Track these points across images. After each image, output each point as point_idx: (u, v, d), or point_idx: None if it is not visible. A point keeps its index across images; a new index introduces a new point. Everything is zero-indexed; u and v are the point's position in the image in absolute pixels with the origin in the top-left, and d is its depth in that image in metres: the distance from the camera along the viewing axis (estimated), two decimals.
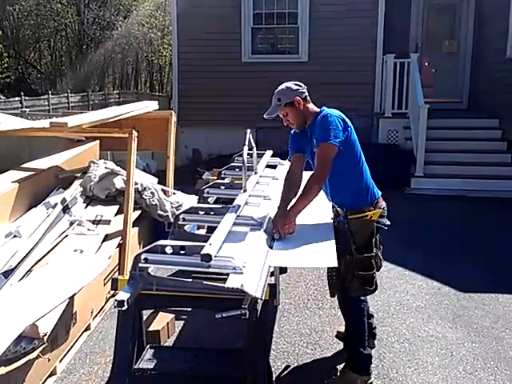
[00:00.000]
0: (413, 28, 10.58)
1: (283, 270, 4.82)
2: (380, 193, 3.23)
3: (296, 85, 3.21)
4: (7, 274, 3.53)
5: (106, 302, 4.20)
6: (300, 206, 3.05)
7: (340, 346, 3.66)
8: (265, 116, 3.26)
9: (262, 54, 10.33)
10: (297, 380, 3.28)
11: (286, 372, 3.35)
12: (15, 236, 3.89)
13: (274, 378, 3.14)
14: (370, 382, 3.21)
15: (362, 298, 3.24)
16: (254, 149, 4.07)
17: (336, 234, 3.08)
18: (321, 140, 3.01)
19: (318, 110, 3.21)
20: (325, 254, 2.78)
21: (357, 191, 3.13)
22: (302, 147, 3.30)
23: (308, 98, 3.22)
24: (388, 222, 3.22)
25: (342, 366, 3.37)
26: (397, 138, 9.39)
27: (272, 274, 3.97)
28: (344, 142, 3.01)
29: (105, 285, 4.11)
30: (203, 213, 3.30)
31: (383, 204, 3.21)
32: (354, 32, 9.68)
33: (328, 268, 3.36)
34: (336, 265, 2.63)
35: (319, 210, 3.52)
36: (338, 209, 3.22)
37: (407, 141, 9.08)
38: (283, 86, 3.22)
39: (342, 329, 3.66)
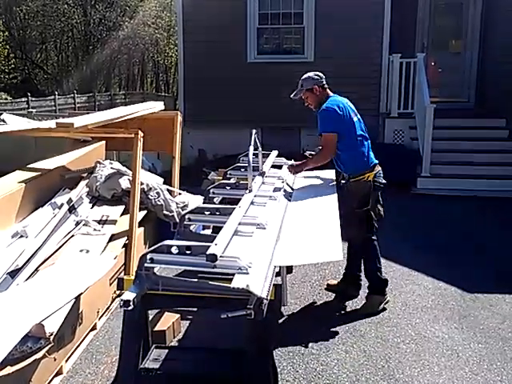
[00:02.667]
0: (419, 27, 10.55)
1: (289, 270, 4.81)
2: (377, 161, 4.15)
3: (316, 75, 4.20)
4: (14, 273, 3.54)
5: (112, 302, 4.21)
6: (308, 165, 4.26)
7: (346, 347, 3.66)
8: (291, 96, 4.30)
9: (267, 54, 10.31)
10: (302, 380, 3.28)
11: (290, 372, 3.35)
12: (22, 236, 3.91)
13: (279, 379, 3.14)
14: (387, 300, 4.25)
15: (374, 237, 4.19)
16: (260, 149, 4.07)
17: (340, 191, 4.04)
18: (321, 131, 4.08)
19: (330, 95, 4.21)
20: (330, 248, 2.78)
21: (356, 161, 4.07)
22: None
23: (325, 85, 4.21)
24: (384, 181, 4.13)
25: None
26: (403, 137, 9.37)
27: (278, 275, 3.98)
28: (339, 126, 4.02)
29: (111, 285, 4.12)
30: (209, 213, 3.31)
31: (379, 168, 4.13)
32: (359, 32, 9.65)
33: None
34: (341, 258, 2.72)
35: (324, 199, 3.59)
36: (344, 174, 4.17)
37: (413, 141, 9.05)
38: (307, 75, 4.24)
39: (333, 282, 4.59)
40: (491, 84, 9.84)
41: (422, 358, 3.53)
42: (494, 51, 9.73)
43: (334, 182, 4.29)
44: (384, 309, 4.19)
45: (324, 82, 4.21)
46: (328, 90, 4.24)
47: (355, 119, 4.12)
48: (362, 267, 4.36)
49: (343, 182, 4.18)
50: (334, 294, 4.48)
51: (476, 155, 8.53)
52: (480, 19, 10.30)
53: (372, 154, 4.17)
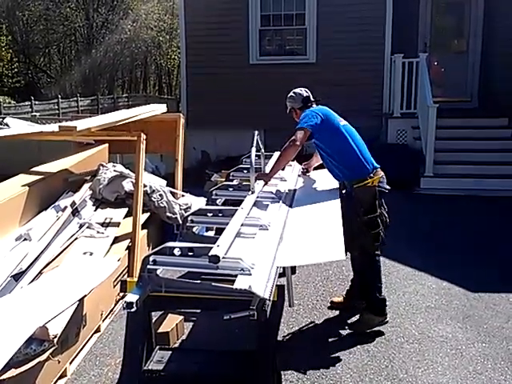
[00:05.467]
0: (421, 27, 10.53)
1: (292, 271, 4.81)
2: (378, 165, 3.90)
3: (295, 93, 4.13)
4: (18, 276, 3.56)
5: (115, 304, 4.22)
6: (278, 168, 3.96)
7: (350, 347, 3.66)
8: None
9: (269, 55, 10.32)
10: (305, 381, 3.28)
11: (294, 373, 3.35)
12: (25, 239, 3.92)
13: (282, 379, 3.14)
14: (385, 320, 3.92)
15: (377, 252, 3.89)
16: (262, 150, 4.08)
17: (344, 201, 3.69)
18: (296, 128, 3.90)
19: (314, 107, 4.02)
20: (332, 247, 2.78)
21: (353, 165, 3.82)
22: None
23: (307, 103, 4.07)
24: (388, 187, 3.89)
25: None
26: (406, 137, 9.36)
27: (283, 275, 3.98)
28: (317, 126, 3.83)
29: (114, 287, 4.13)
30: (211, 214, 3.31)
31: (381, 173, 3.89)
32: (361, 32, 9.65)
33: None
34: (344, 257, 2.71)
35: (326, 199, 3.58)
36: (344, 182, 3.89)
37: (416, 140, 9.05)
38: (290, 93, 4.16)
39: (337, 299, 4.32)
40: (494, 83, 9.82)
41: (425, 358, 3.53)
42: (497, 50, 9.71)
43: (337, 184, 4.07)
44: (380, 332, 3.85)
45: (301, 104, 4.08)
46: (313, 105, 4.09)
47: (342, 123, 3.93)
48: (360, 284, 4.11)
49: (345, 190, 3.88)
50: (336, 292, 4.47)
51: (479, 154, 8.52)
52: (482, 18, 10.28)
53: (372, 159, 3.92)
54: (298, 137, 3.83)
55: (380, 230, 3.82)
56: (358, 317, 3.97)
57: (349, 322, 4.00)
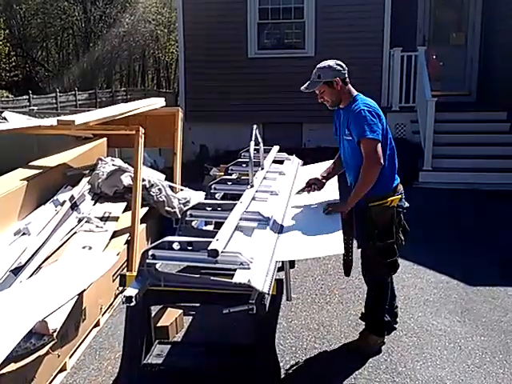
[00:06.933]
0: (420, 21, 10.50)
1: (291, 265, 4.82)
2: (399, 179, 3.42)
3: (338, 65, 3.38)
4: (17, 271, 3.56)
5: (114, 298, 4.22)
6: (357, 196, 3.24)
7: (348, 340, 3.67)
8: (302, 88, 3.41)
9: (268, 49, 10.30)
10: (304, 374, 3.29)
11: (293, 366, 3.36)
12: (24, 233, 3.92)
13: (281, 373, 3.15)
14: (383, 342, 3.55)
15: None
16: (261, 144, 4.07)
17: (355, 217, 3.34)
18: (362, 135, 3.15)
19: (354, 93, 3.38)
20: (331, 242, 2.78)
21: (382, 180, 3.25)
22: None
23: (347, 79, 3.38)
24: (407, 204, 3.47)
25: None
26: (404, 131, 9.34)
27: (281, 269, 3.98)
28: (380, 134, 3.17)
29: (113, 281, 4.13)
30: (210, 209, 3.32)
31: (401, 188, 3.43)
32: (360, 26, 9.63)
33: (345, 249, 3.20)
34: (342, 251, 2.66)
35: (326, 195, 3.56)
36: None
37: (415, 134, 9.03)
38: (326, 63, 3.38)
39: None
40: (492, 77, 9.80)
41: (424, 352, 3.54)
42: (496, 44, 9.69)
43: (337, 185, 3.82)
44: (380, 351, 3.52)
45: (346, 75, 3.38)
46: (350, 86, 3.40)
47: (385, 127, 3.32)
48: (366, 302, 3.66)
49: (358, 204, 3.32)
50: (334, 286, 4.47)
51: (477, 148, 8.51)
52: (481, 12, 10.25)
53: (396, 172, 3.44)
54: (379, 153, 3.14)
55: (397, 258, 3.39)
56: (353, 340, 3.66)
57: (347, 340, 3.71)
